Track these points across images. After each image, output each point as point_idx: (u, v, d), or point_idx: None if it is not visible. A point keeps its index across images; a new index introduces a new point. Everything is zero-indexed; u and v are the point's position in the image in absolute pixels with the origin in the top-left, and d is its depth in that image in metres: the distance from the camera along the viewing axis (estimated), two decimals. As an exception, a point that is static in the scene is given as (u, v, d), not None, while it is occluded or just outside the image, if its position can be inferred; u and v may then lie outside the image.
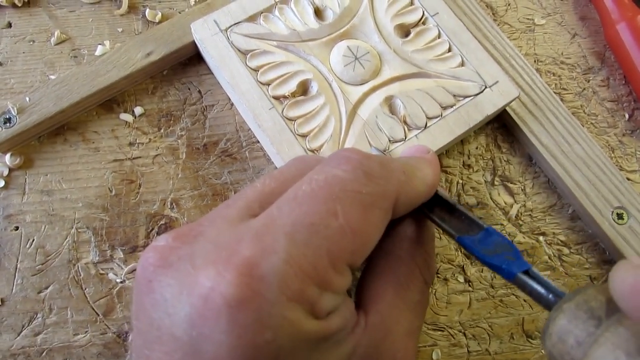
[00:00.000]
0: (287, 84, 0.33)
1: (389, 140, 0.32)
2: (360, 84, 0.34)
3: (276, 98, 0.33)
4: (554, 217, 0.36)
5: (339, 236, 0.20)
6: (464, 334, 0.33)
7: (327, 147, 0.32)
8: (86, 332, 0.31)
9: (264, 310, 0.18)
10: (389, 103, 0.34)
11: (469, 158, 0.37)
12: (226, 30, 0.34)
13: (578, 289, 0.20)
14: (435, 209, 0.26)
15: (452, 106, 0.34)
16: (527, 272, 0.22)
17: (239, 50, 0.34)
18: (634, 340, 0.18)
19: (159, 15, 0.39)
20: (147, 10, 0.38)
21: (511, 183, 0.36)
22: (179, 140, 0.36)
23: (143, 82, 0.37)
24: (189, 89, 0.37)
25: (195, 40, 0.35)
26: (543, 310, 0.34)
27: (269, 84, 0.33)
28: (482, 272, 0.34)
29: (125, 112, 0.36)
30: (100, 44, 0.37)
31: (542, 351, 0.32)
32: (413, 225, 0.26)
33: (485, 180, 0.36)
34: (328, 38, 0.35)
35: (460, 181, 0.36)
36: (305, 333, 0.19)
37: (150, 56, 0.35)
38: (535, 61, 0.40)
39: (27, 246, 0.33)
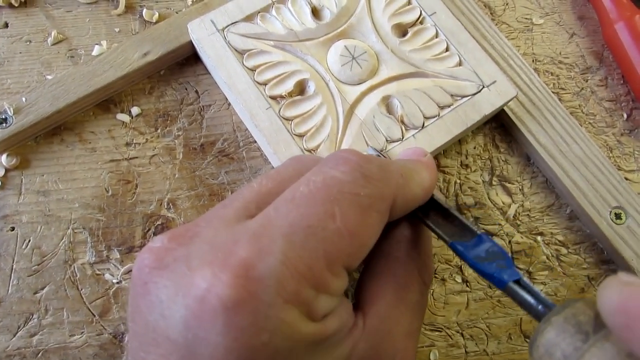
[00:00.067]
0: (284, 84, 0.33)
1: (387, 140, 0.32)
2: (358, 84, 0.34)
3: (273, 98, 0.33)
4: (552, 217, 0.36)
5: (336, 238, 0.20)
6: (462, 335, 0.33)
7: (324, 147, 0.32)
8: (82, 333, 0.31)
9: (261, 312, 0.18)
10: (387, 103, 0.34)
11: (466, 158, 0.37)
12: (223, 30, 0.34)
13: (567, 302, 0.20)
14: (430, 213, 0.26)
15: (449, 106, 0.34)
16: (518, 282, 0.22)
17: (236, 50, 0.34)
18: (620, 357, 0.18)
19: (156, 15, 0.38)
20: (144, 10, 0.38)
21: (509, 183, 0.36)
22: (176, 141, 0.35)
23: (140, 82, 0.37)
24: (186, 89, 0.37)
25: (192, 40, 0.35)
26: (541, 311, 0.34)
27: (266, 84, 0.33)
28: (480, 272, 0.34)
29: (122, 112, 0.36)
30: (97, 44, 0.37)
31: None
32: (410, 227, 0.26)
33: (483, 180, 0.36)
34: (325, 38, 0.35)
35: (458, 181, 0.36)
36: (301, 335, 0.19)
37: (147, 56, 0.35)
38: (533, 61, 0.40)
39: (23, 247, 0.33)
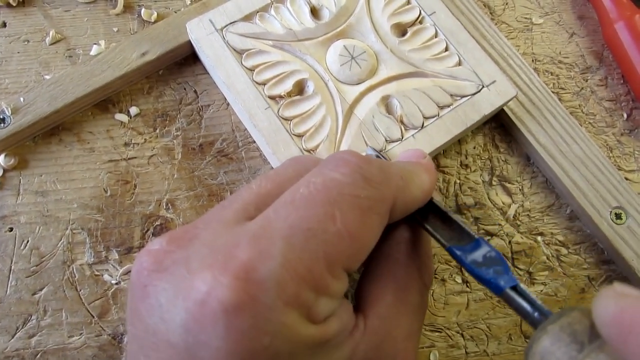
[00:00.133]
0: (283, 84, 0.33)
1: (386, 140, 0.32)
2: (357, 84, 0.33)
3: (272, 98, 0.33)
4: (552, 217, 0.36)
5: (336, 240, 0.20)
6: (462, 335, 0.33)
7: (324, 147, 0.32)
8: (81, 334, 0.31)
9: (261, 315, 0.18)
10: (386, 103, 0.34)
11: (466, 158, 0.37)
12: (222, 29, 0.34)
13: (563, 310, 0.21)
14: (428, 216, 0.26)
15: (449, 106, 0.33)
16: (514, 288, 0.23)
17: (235, 50, 0.33)
18: None
19: (155, 14, 0.38)
20: (143, 10, 0.38)
21: (509, 183, 0.36)
22: (175, 141, 0.35)
23: (138, 82, 0.36)
24: (185, 88, 0.37)
25: (191, 40, 0.35)
26: (541, 311, 0.33)
27: (264, 84, 0.33)
28: (479, 272, 0.34)
29: (120, 112, 0.36)
30: (95, 44, 0.37)
31: None
32: (409, 228, 0.26)
33: (483, 180, 0.36)
34: (324, 37, 0.34)
35: (458, 181, 0.36)
36: (302, 338, 0.19)
37: (145, 56, 0.35)
38: (533, 60, 0.40)
39: (22, 247, 0.32)
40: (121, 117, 0.36)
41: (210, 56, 0.33)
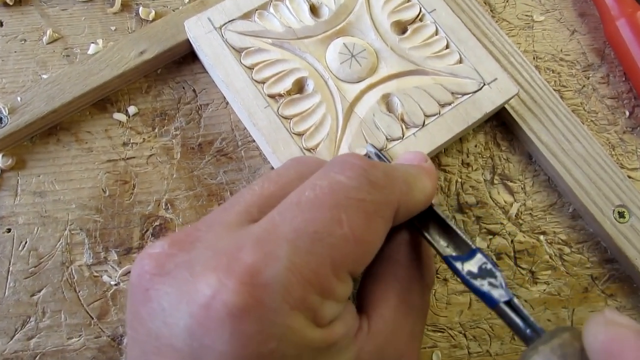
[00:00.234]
0: (283, 82, 0.33)
1: (387, 139, 0.32)
2: (357, 82, 0.33)
3: (271, 96, 0.32)
4: (554, 215, 0.35)
5: (342, 244, 0.20)
6: (465, 335, 0.33)
7: (324, 145, 0.31)
8: (80, 335, 0.31)
9: (268, 319, 0.18)
10: (386, 101, 0.33)
11: (467, 156, 0.36)
12: (220, 28, 0.34)
13: (555, 331, 0.21)
14: (427, 222, 0.26)
15: (450, 104, 0.33)
16: (509, 303, 0.23)
17: (234, 48, 0.33)
18: None
19: (153, 13, 0.38)
20: (141, 8, 0.38)
21: (511, 182, 0.36)
22: (174, 140, 0.35)
23: (137, 81, 0.36)
24: (184, 87, 0.36)
25: (189, 39, 0.35)
26: (544, 310, 0.33)
27: (264, 82, 0.33)
28: (481, 272, 0.34)
29: (118, 111, 0.36)
30: (93, 43, 0.37)
31: None
32: (409, 230, 0.26)
33: (484, 179, 0.36)
34: (324, 35, 0.34)
35: (460, 180, 0.36)
36: (308, 341, 0.19)
37: (143, 55, 0.35)
38: (534, 58, 0.40)
39: (20, 248, 0.32)
40: (119, 116, 0.35)
41: (209, 55, 0.33)
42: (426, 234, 0.26)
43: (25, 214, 0.33)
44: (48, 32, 0.37)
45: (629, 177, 0.36)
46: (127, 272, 0.32)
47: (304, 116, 0.32)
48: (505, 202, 0.35)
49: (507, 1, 0.41)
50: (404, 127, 0.32)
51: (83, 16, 0.38)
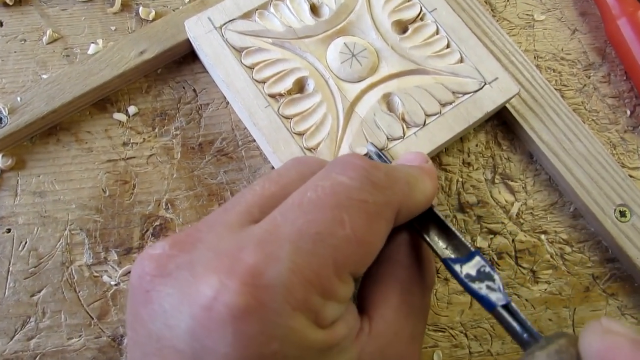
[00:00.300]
0: (283, 82, 0.33)
1: (387, 138, 0.32)
2: (358, 81, 0.33)
3: (272, 96, 0.32)
4: (555, 215, 0.35)
5: (344, 245, 0.20)
6: (466, 335, 0.32)
7: (324, 145, 0.31)
8: (80, 336, 0.31)
9: (270, 320, 0.18)
10: (387, 100, 0.33)
11: (468, 156, 0.36)
12: (220, 27, 0.33)
13: (552, 336, 0.21)
14: (426, 224, 0.26)
15: (451, 103, 0.33)
16: (506, 307, 0.23)
17: (234, 48, 0.33)
18: None
19: (153, 13, 0.38)
20: (141, 8, 0.38)
21: (512, 181, 0.36)
22: (174, 140, 0.35)
23: (137, 81, 0.36)
24: (184, 87, 0.36)
25: (190, 38, 0.35)
26: (546, 310, 0.33)
27: (264, 82, 0.33)
28: (483, 271, 0.34)
29: (118, 111, 0.35)
30: (93, 43, 0.37)
31: None
32: (409, 231, 0.26)
33: (485, 179, 0.36)
34: (324, 35, 0.34)
35: (460, 179, 0.36)
36: (310, 342, 0.19)
37: (143, 54, 0.35)
38: (535, 57, 0.40)
39: (20, 249, 0.32)
40: (119, 116, 0.35)
41: (209, 54, 0.33)
42: (425, 236, 0.26)
43: (25, 214, 0.33)
44: (48, 32, 0.37)
45: (630, 176, 0.36)
46: (127, 272, 0.32)
47: (304, 116, 0.32)
48: (506, 201, 0.35)
49: (507, 0, 0.41)
50: (404, 126, 0.32)
51: (83, 16, 0.38)
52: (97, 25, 0.38)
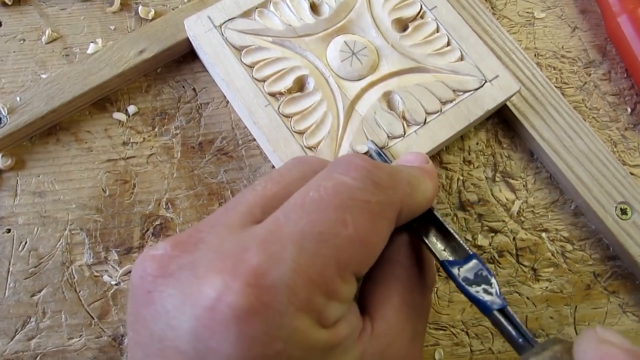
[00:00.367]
0: (283, 81, 0.32)
1: (388, 137, 0.32)
2: (358, 80, 0.33)
3: (272, 95, 0.32)
4: (556, 213, 0.35)
5: (347, 245, 0.20)
6: (467, 333, 0.32)
7: (325, 144, 0.31)
8: (81, 335, 0.31)
9: (273, 321, 0.18)
10: (388, 98, 0.33)
11: (469, 154, 0.36)
12: (220, 26, 0.33)
13: (547, 342, 0.21)
14: (425, 226, 0.26)
15: (451, 101, 0.33)
16: (502, 311, 0.23)
17: (234, 47, 0.33)
18: None
19: (152, 12, 0.38)
20: (140, 7, 0.38)
21: (512, 179, 0.36)
22: (174, 139, 0.35)
23: (136, 80, 0.36)
24: (184, 86, 0.36)
25: (189, 37, 0.34)
26: (547, 308, 0.33)
27: (264, 81, 0.32)
28: (484, 270, 0.34)
29: (118, 111, 0.35)
30: (92, 42, 0.37)
31: None
32: (409, 231, 0.26)
33: (486, 177, 0.36)
34: (324, 33, 0.34)
35: (461, 177, 0.36)
36: (314, 342, 0.19)
37: (143, 54, 0.35)
38: (535, 55, 0.39)
39: (20, 249, 0.32)
40: (119, 116, 0.35)
41: (209, 53, 0.33)
42: (424, 237, 0.26)
43: (25, 214, 0.33)
44: (47, 32, 0.37)
45: (631, 173, 0.35)
46: (128, 272, 0.32)
47: (304, 114, 0.32)
48: (507, 199, 0.35)
49: (507, -2, 0.41)
50: (405, 124, 0.32)
51: (82, 15, 0.38)
52: (97, 24, 0.38)
